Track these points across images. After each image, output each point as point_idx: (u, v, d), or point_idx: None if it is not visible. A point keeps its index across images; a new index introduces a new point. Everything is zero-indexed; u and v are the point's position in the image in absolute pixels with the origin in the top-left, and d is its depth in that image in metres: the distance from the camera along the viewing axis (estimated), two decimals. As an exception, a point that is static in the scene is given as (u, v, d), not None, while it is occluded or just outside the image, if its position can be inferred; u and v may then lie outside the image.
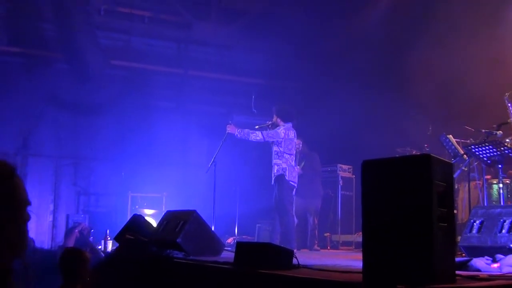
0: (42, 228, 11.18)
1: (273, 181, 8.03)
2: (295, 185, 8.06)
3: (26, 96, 11.25)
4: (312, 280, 3.18)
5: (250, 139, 8.03)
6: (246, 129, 8.07)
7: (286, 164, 7.94)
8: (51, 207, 11.60)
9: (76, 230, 8.71)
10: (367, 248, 3.05)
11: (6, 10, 11.27)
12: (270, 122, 8.31)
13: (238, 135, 8.02)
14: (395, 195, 2.98)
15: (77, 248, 4.59)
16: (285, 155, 7.96)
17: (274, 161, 8.03)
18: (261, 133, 8.03)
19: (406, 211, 2.92)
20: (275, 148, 8.03)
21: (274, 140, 8.02)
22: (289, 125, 8.15)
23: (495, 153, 6.28)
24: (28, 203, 1.67)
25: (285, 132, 8.04)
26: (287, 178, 7.89)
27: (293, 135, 8.12)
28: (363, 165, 3.14)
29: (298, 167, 8.78)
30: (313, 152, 9.55)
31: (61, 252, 4.72)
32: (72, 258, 4.23)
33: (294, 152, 8.21)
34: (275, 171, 7.98)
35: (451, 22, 9.48)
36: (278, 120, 8.21)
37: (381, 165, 3.16)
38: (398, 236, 2.91)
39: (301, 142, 9.25)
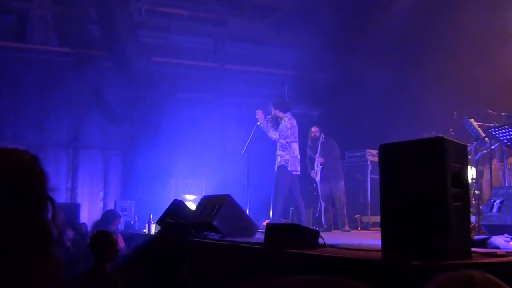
0: (94, 214, 11.39)
1: (275, 171, 8.05)
2: (298, 173, 8.12)
3: (75, 92, 11.48)
4: (333, 258, 3.18)
5: (268, 134, 8.05)
6: (269, 125, 8.06)
7: (289, 155, 7.99)
8: (101, 194, 11.84)
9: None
10: (386, 227, 3.04)
11: (55, 14, 11.50)
12: (270, 116, 8.26)
13: (261, 125, 8.03)
14: (411, 177, 2.95)
15: (106, 231, 4.69)
16: (292, 144, 8.00)
17: (278, 152, 8.10)
18: (278, 133, 8.01)
19: (422, 191, 2.88)
20: (281, 141, 8.03)
21: (286, 134, 8.01)
22: (289, 114, 8.14)
23: (515, 135, 6.12)
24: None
25: (290, 122, 8.06)
26: (289, 169, 7.94)
27: (295, 123, 8.13)
28: (380, 148, 3.12)
29: (320, 157, 8.77)
30: (330, 138, 9.38)
31: (92, 235, 4.85)
32: (100, 240, 4.34)
33: (298, 140, 8.19)
34: (278, 161, 8.02)
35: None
36: (277, 112, 8.19)
37: (398, 148, 3.13)
38: (415, 215, 2.88)
39: (318, 130, 9.09)
